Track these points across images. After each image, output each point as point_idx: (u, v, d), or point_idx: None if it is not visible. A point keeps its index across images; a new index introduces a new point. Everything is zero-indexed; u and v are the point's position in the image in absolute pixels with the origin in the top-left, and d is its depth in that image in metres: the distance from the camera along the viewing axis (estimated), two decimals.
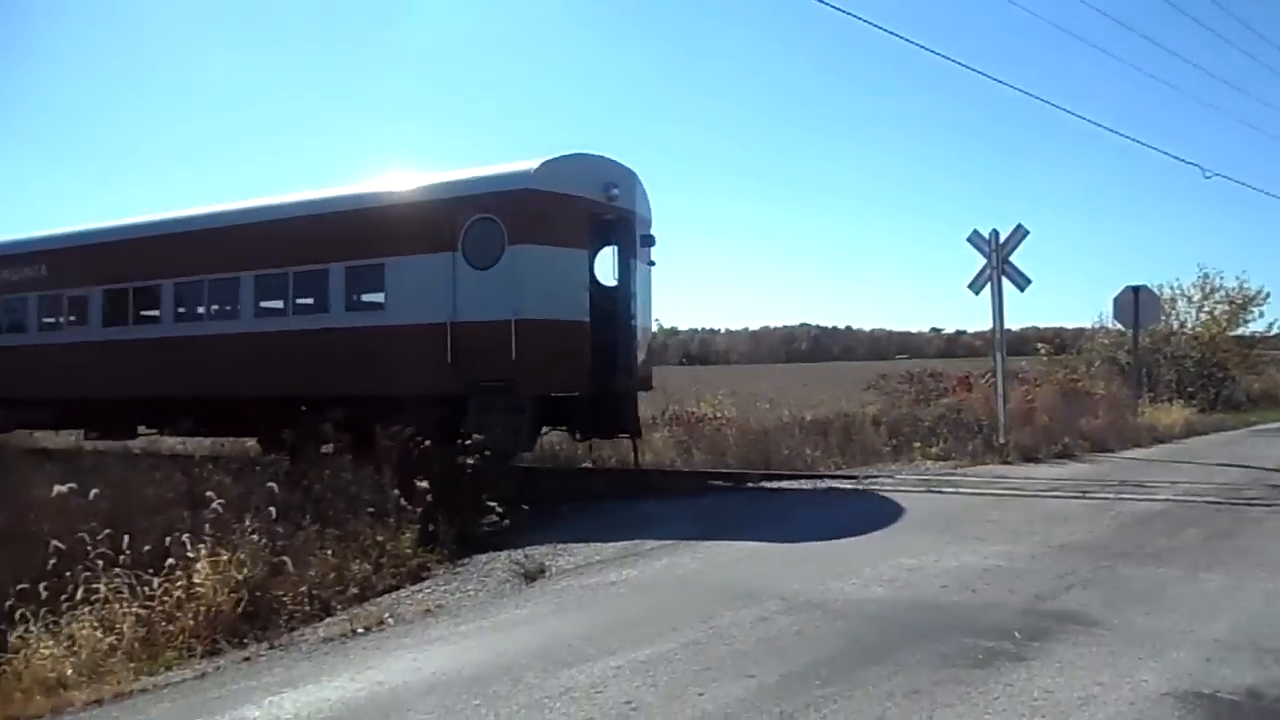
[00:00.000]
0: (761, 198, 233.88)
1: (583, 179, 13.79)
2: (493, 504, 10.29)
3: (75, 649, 6.36)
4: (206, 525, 7.67)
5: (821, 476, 14.60)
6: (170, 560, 7.30)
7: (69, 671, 6.11)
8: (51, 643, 6.41)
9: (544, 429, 14.47)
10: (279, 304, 15.60)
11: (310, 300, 15.28)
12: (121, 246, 17.58)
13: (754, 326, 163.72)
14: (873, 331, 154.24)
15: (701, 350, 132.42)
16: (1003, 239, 16.88)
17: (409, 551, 9.17)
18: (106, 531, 7.41)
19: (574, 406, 13.85)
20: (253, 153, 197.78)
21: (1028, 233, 16.83)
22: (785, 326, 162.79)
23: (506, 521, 10.27)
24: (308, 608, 7.74)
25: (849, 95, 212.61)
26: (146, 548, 7.67)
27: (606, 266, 14.74)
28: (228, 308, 16.24)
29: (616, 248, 14.55)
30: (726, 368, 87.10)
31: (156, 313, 17.08)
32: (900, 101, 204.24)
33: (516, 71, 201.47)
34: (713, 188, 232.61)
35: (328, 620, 7.53)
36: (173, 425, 16.87)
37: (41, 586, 6.87)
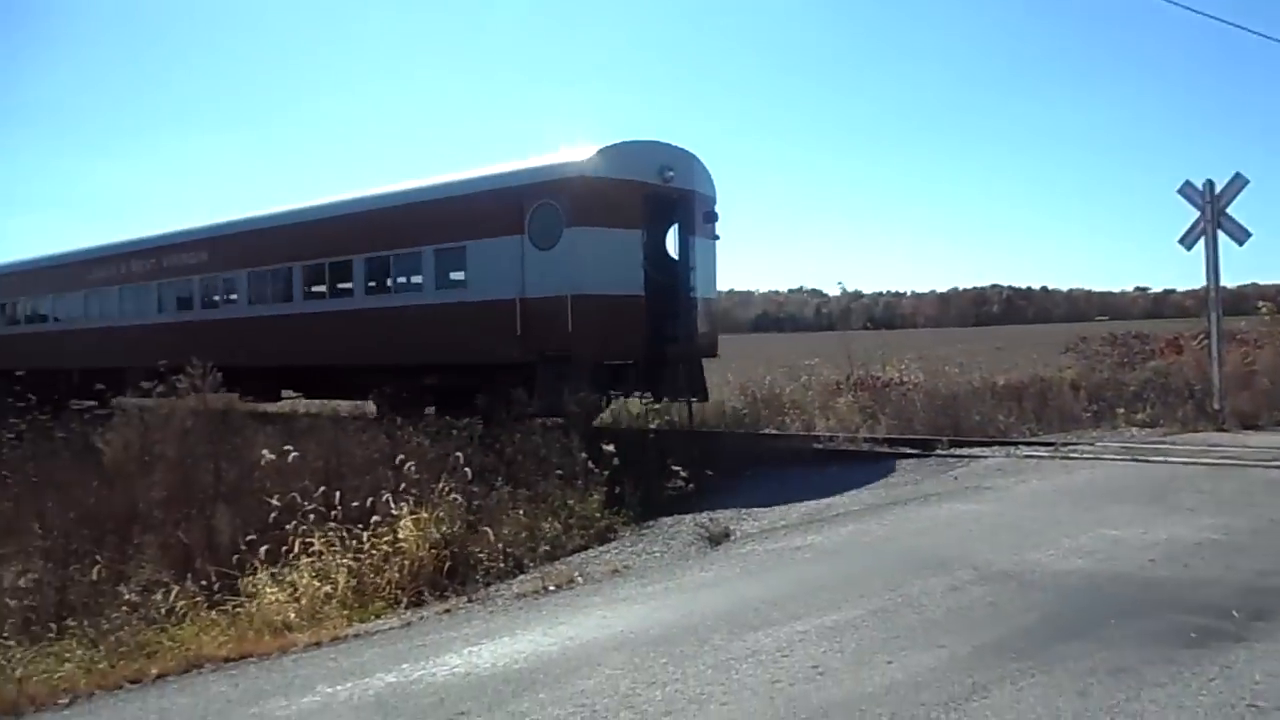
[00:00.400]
0: (950, 153, 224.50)
1: (636, 164, 14.59)
2: (677, 468, 10.44)
3: (297, 596, 6.89)
4: (405, 485, 8.11)
5: (1015, 443, 13.98)
6: (376, 517, 7.77)
7: (292, 616, 6.63)
8: (276, 589, 6.97)
9: (611, 393, 15.15)
10: (384, 283, 17.31)
11: (406, 279, 16.90)
12: (261, 235, 19.68)
13: (942, 288, 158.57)
14: (1070, 292, 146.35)
15: (886, 314, 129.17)
16: (1219, 189, 15.53)
17: (597, 514, 9.42)
18: (320, 489, 7.97)
19: (631, 373, 14.74)
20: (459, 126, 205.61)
21: (1247, 182, 15.38)
22: (975, 288, 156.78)
23: (690, 485, 10.40)
24: (502, 565, 8.09)
25: (1045, 40, 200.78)
26: (355, 504, 8.22)
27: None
28: (343, 287, 18.01)
29: (677, 225, 15.43)
30: (912, 331, 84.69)
31: (290, 293, 19.11)
32: (1102, 46, 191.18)
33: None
34: (896, 146, 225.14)
35: (520, 577, 7.84)
36: (310, 390, 18.99)
37: (265, 539, 7.49)
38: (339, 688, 5.15)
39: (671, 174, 14.77)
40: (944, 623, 5.73)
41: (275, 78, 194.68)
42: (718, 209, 15.85)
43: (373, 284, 17.46)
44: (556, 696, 4.81)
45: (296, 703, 4.98)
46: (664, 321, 14.84)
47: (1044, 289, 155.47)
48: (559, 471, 9.77)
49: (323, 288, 18.49)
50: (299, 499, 8.02)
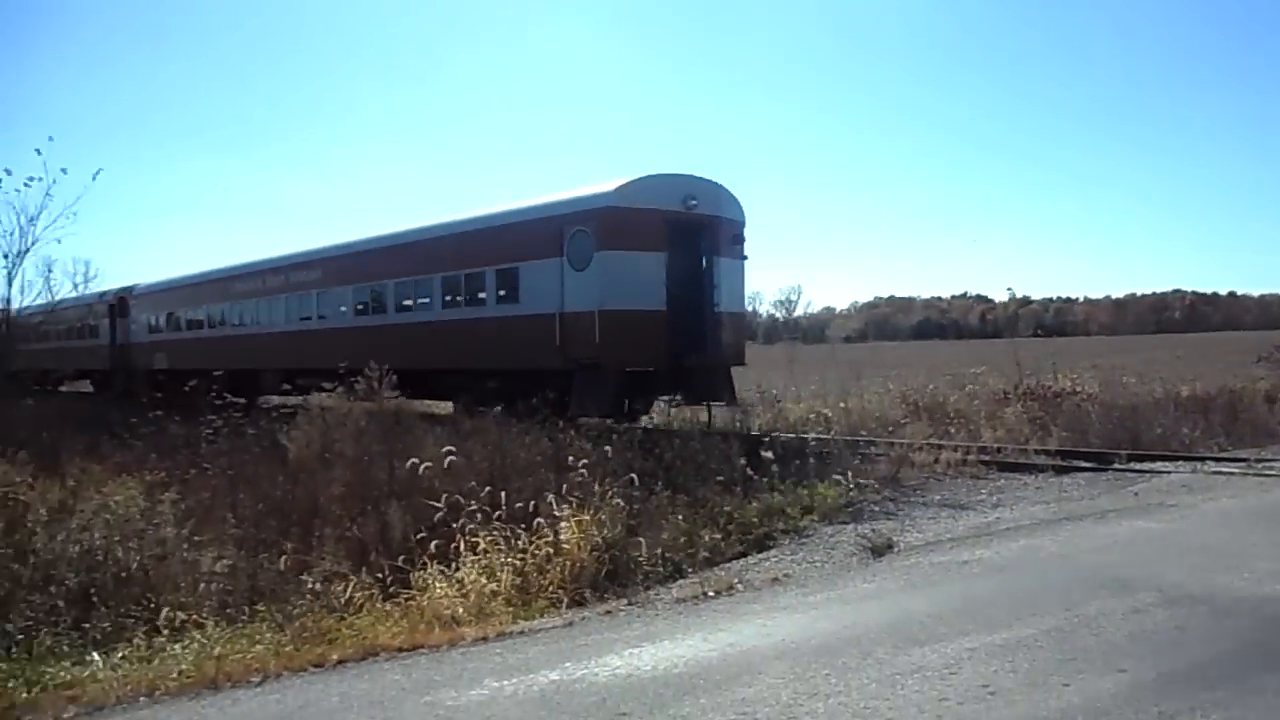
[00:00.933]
0: (1125, 152, 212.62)
1: (659, 194, 16.25)
2: (838, 478, 10.30)
3: (465, 592, 7.13)
4: (568, 488, 8.28)
5: (1201, 459, 13.14)
6: (539, 519, 7.96)
7: (460, 610, 6.86)
8: (445, 584, 7.23)
9: (649, 398, 17.02)
10: (456, 299, 19.52)
11: (472, 296, 19.03)
12: (358, 257, 22.61)
13: (1117, 294, 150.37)
14: (1262, 297, 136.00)
15: (1057, 320, 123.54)
16: None
17: (755, 520, 9.36)
18: (486, 489, 8.22)
19: (656, 379, 16.43)
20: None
21: None
22: (1155, 293, 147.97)
23: (851, 494, 10.22)
24: (661, 569, 8.14)
25: (1229, 32, 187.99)
26: (519, 505, 8.45)
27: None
28: (423, 302, 20.54)
29: (702, 246, 16.72)
30: (1085, 339, 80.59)
31: (385, 306, 21.80)
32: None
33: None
34: (1066, 147, 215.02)
35: (680, 582, 7.86)
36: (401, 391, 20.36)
37: (435, 535, 7.79)
38: (505, 682, 5.30)
39: (694, 202, 16.34)
40: (1125, 647, 5.44)
41: (448, 100, 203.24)
42: (746, 231, 17.64)
43: (448, 299, 19.73)
44: (717, 703, 4.81)
45: (465, 695, 5.15)
46: (687, 333, 16.21)
47: (1232, 294, 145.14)
48: (719, 478, 9.77)
49: (410, 302, 21.10)
50: (465, 499, 8.30)
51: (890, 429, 15.74)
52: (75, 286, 27.41)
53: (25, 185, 14.29)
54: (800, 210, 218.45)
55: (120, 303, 30.99)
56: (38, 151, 14.87)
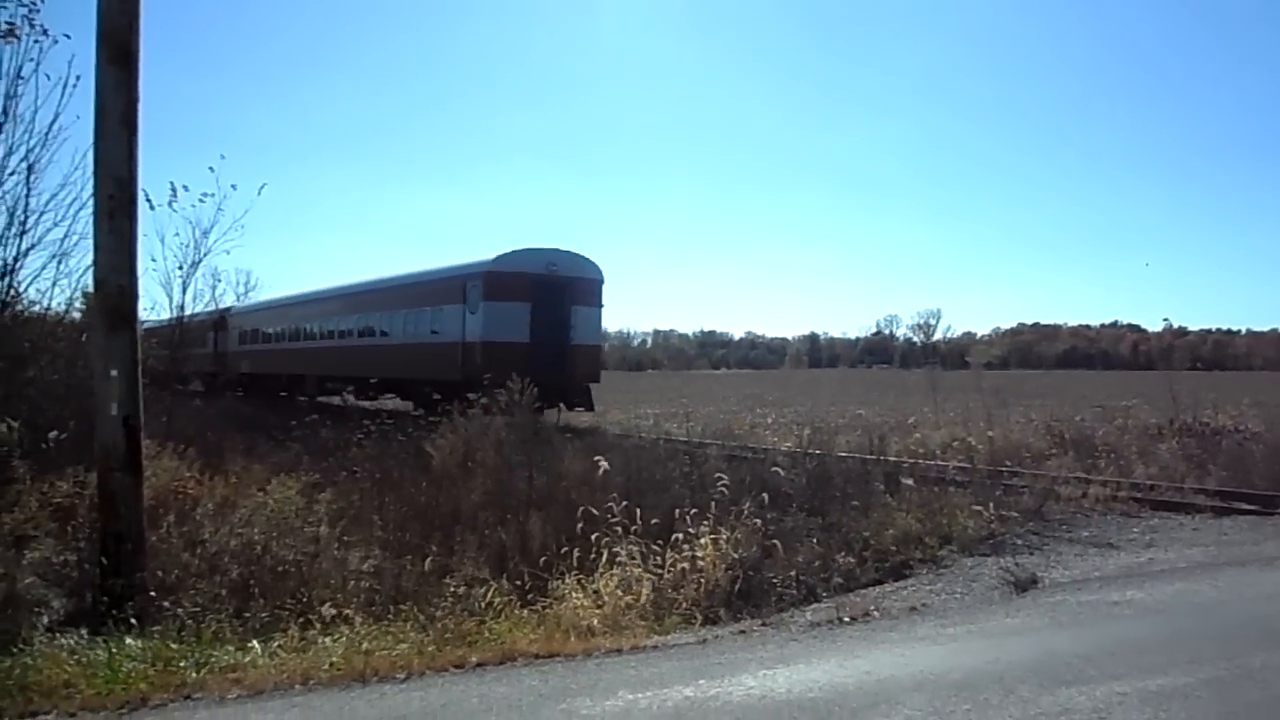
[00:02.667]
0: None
1: (527, 262, 22.80)
2: (979, 508, 10.02)
3: (600, 603, 7.24)
4: (716, 502, 8.30)
5: None
6: (676, 535, 8.02)
7: (595, 621, 6.97)
8: (581, 595, 7.36)
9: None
10: (400, 329, 27.05)
11: (412, 328, 26.20)
12: (359, 295, 30.50)
13: None
14: None
15: (1216, 353, 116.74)
16: None
17: (892, 547, 9.18)
18: (624, 504, 8.33)
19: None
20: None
21: None
22: None
23: (992, 526, 9.92)
24: (794, 591, 8.09)
25: None
26: (654, 521, 8.52)
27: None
28: (383, 330, 28.43)
29: (562, 295, 22.78)
30: (1248, 374, 75.89)
31: (366, 331, 29.48)
32: None
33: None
34: (1231, 164, 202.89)
35: (814, 605, 7.78)
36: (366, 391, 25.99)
37: (572, 545, 7.94)
38: (639, 695, 5.36)
39: (555, 267, 22.85)
40: None
41: (589, 125, 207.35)
42: (604, 288, 24.20)
43: (406, 329, 26.75)
44: None
45: (601, 704, 5.23)
46: (546, 358, 21.28)
47: None
48: (854, 503, 9.63)
49: (386, 329, 28.27)
50: (601, 512, 8.42)
51: (1034, 460, 15.17)
52: (238, 297, 30.20)
53: (200, 200, 15.23)
54: (942, 228, 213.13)
55: (221, 319, 35.36)
56: (211, 169, 16.13)
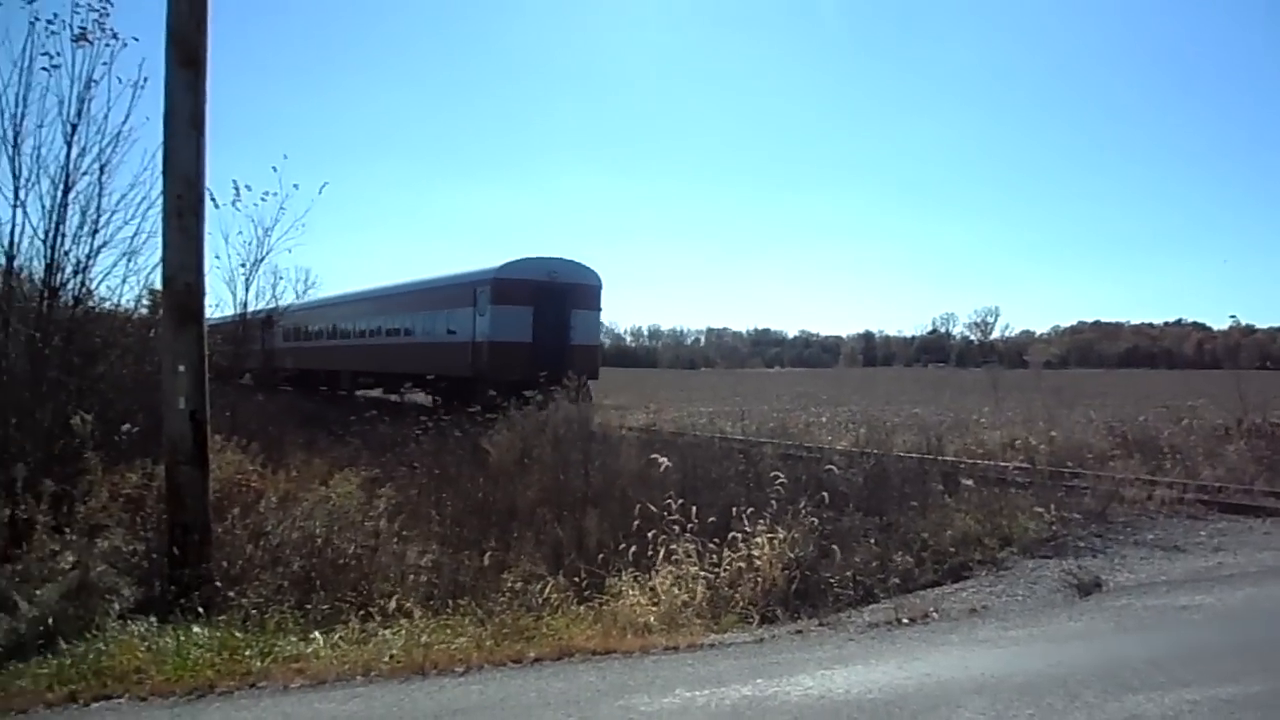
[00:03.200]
0: None
1: (530, 270, 25.27)
2: (1040, 509, 9.85)
3: (657, 601, 7.24)
4: (773, 500, 8.26)
5: None
6: (732, 533, 7.99)
7: (651, 619, 6.98)
8: (637, 592, 7.37)
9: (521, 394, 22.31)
10: (420, 328, 29.90)
11: (430, 327, 28.98)
12: (385, 298, 33.72)
13: None
14: None
15: None
16: None
17: (951, 549, 9.06)
18: (681, 501, 8.33)
19: (524, 387, 21.44)
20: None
21: None
22: None
23: (1054, 527, 9.75)
24: (851, 591, 8.01)
25: None
26: (711, 519, 8.50)
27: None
28: (408, 330, 31.12)
29: (563, 299, 25.21)
30: None
31: (391, 330, 32.68)
32: None
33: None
34: None
35: (872, 606, 7.71)
36: (393, 385, 29.30)
37: (628, 543, 7.96)
38: (697, 693, 5.35)
39: (555, 275, 25.29)
40: None
41: (636, 118, 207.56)
42: (603, 293, 27.19)
43: (424, 329, 29.68)
44: None
45: (658, 702, 5.24)
46: (547, 356, 22.97)
47: None
48: (913, 503, 9.52)
49: (410, 329, 31.03)
50: (658, 509, 8.43)
51: (1097, 461, 14.87)
52: (297, 295, 31.19)
53: (263, 199, 15.59)
54: (1000, 225, 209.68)
55: (268, 318, 37.19)
56: (274, 168, 16.62)
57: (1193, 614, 7.20)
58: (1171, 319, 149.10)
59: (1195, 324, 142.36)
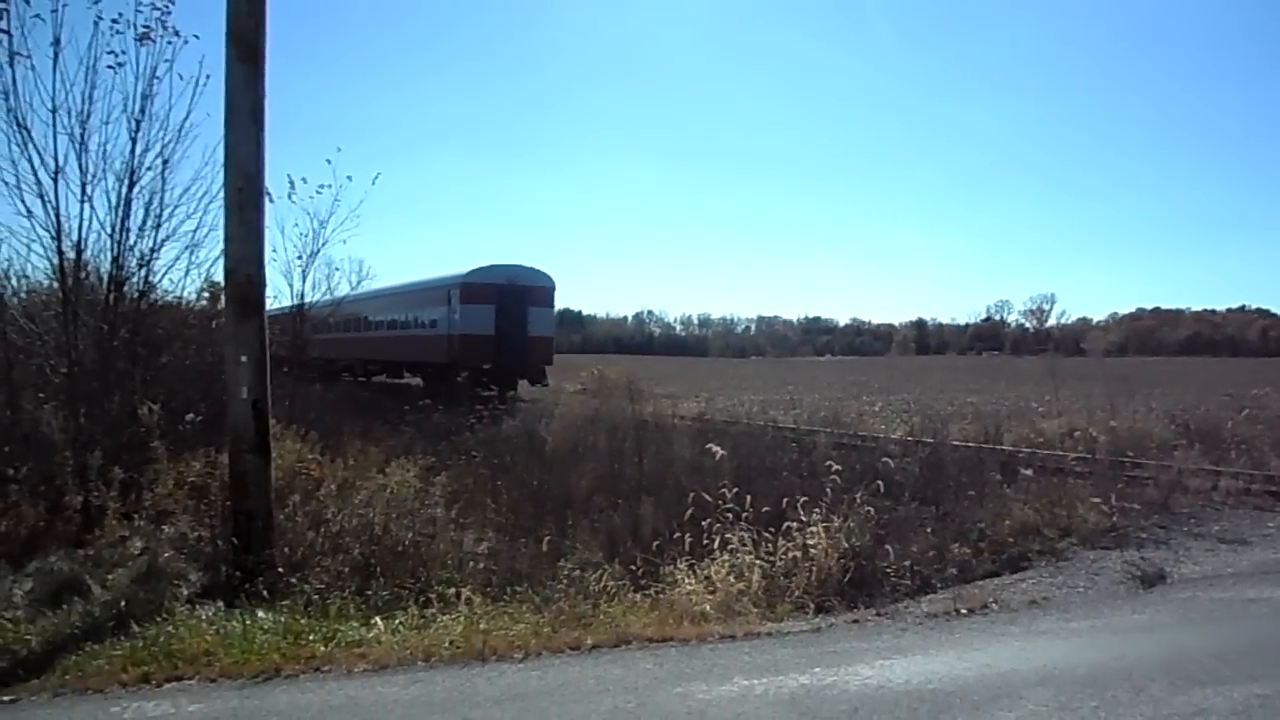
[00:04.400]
0: None
1: (492, 275, 29.32)
2: (1097, 500, 9.69)
3: (713, 589, 7.25)
4: (828, 490, 8.22)
5: None
6: (787, 523, 7.97)
7: (708, 607, 6.97)
8: (693, 580, 7.38)
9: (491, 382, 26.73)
10: (412, 323, 33.68)
11: (418, 322, 33.01)
12: (389, 296, 35.67)
13: None
14: None
15: None
16: None
17: (1009, 539, 8.95)
18: (735, 490, 8.32)
19: (491, 372, 26.72)
20: None
21: None
22: None
23: (1115, 518, 9.59)
24: (908, 581, 7.96)
25: None
26: (765, 509, 8.47)
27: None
28: (403, 324, 34.73)
29: (520, 299, 29.08)
30: None
31: (388, 324, 36.63)
32: None
33: None
34: None
35: (929, 596, 7.65)
36: (393, 373, 35.86)
37: (683, 531, 7.97)
38: (755, 681, 5.36)
39: (514, 278, 29.25)
40: None
41: (686, 110, 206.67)
42: (556, 292, 31.67)
43: (415, 322, 33.41)
44: None
45: (716, 689, 5.25)
46: (509, 347, 28.32)
47: None
48: (970, 492, 9.41)
49: (406, 322, 34.64)
50: (712, 498, 8.42)
51: (1159, 451, 14.56)
52: (351, 286, 32.44)
53: (318, 191, 15.77)
54: (1056, 210, 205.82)
55: (299, 312, 39.46)
56: (328, 161, 16.82)
57: (1261, 607, 7.05)
58: (1235, 305, 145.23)
59: (1260, 310, 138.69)
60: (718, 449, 8.91)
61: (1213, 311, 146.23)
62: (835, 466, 8.71)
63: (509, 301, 29.13)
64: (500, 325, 28.74)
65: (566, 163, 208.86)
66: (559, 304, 34.18)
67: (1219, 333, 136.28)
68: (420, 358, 32.08)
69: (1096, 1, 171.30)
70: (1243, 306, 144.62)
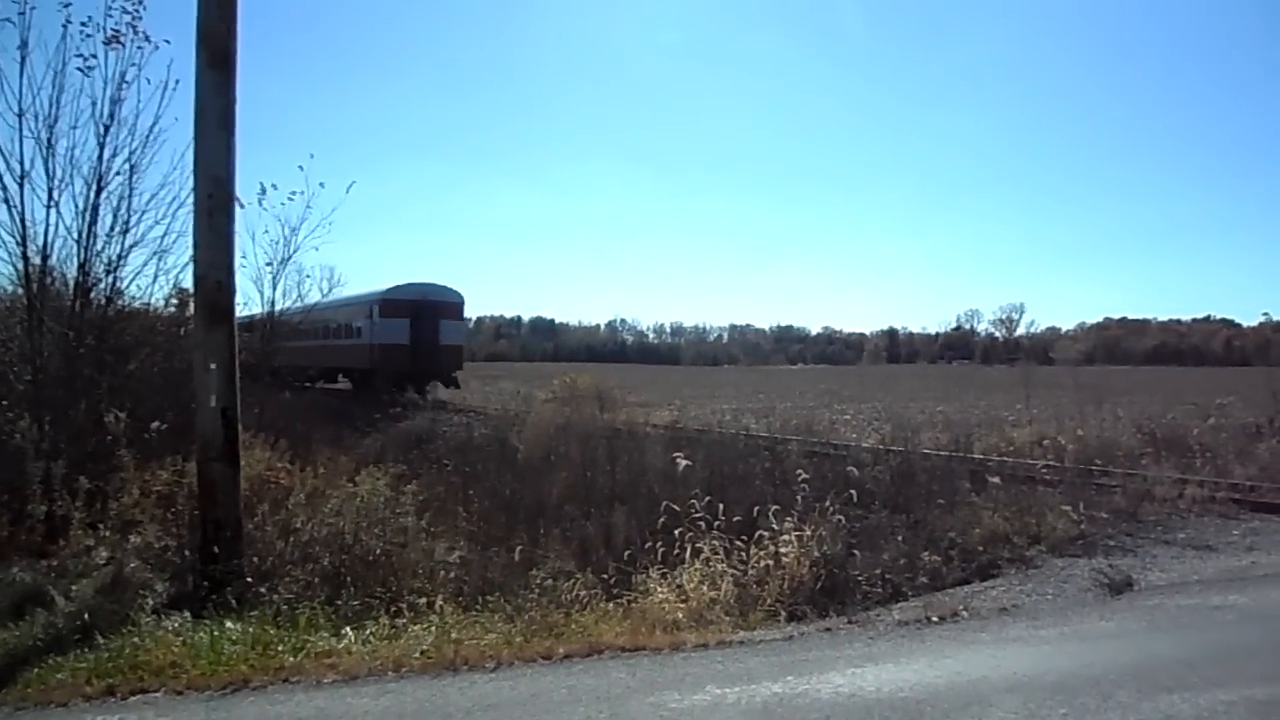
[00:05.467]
0: None
1: (407, 292, 33.46)
2: (1066, 508, 9.79)
3: (685, 598, 7.24)
4: (799, 498, 8.24)
5: None
6: (759, 531, 7.98)
7: (680, 616, 6.98)
8: (665, 589, 7.38)
9: (407, 385, 32.77)
10: (342, 333, 36.23)
11: (346, 332, 35.76)
12: (327, 308, 34.77)
13: None
14: None
15: None
16: None
17: (979, 547, 9.02)
18: (706, 499, 8.32)
19: (407, 376, 32.70)
20: None
21: None
22: None
23: (1083, 526, 9.69)
24: (880, 589, 7.99)
25: None
26: (737, 518, 8.48)
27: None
28: (336, 334, 36.67)
29: (432, 313, 33.30)
30: None
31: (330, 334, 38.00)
32: None
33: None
34: None
35: (900, 604, 7.68)
36: (330, 377, 38.00)
37: (655, 540, 7.96)
38: (727, 690, 5.35)
39: (427, 295, 33.50)
40: None
41: (661, 118, 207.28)
42: (466, 306, 38.02)
43: (343, 332, 35.99)
44: None
45: (689, 699, 5.24)
46: (423, 355, 32.86)
47: None
48: (940, 501, 9.47)
49: (338, 330, 36.72)
50: (684, 507, 8.42)
51: (1126, 459, 14.74)
52: (322, 293, 33.67)
53: (290, 198, 15.68)
54: (1025, 221, 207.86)
55: (270, 318, 41.51)
56: (300, 167, 16.73)
57: (1226, 614, 7.13)
58: (1200, 315, 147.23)
59: (1224, 320, 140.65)
60: (683, 459, 8.91)
61: (1178, 321, 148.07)
62: (805, 475, 8.73)
63: (423, 315, 33.33)
64: (415, 336, 33.03)
65: (540, 169, 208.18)
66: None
67: (1184, 342, 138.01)
68: (347, 364, 36.21)
69: (1067, 15, 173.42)
70: (1208, 317, 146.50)
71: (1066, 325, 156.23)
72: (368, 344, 33.81)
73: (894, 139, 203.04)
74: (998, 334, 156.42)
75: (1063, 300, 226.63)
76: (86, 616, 6.42)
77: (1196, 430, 17.24)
